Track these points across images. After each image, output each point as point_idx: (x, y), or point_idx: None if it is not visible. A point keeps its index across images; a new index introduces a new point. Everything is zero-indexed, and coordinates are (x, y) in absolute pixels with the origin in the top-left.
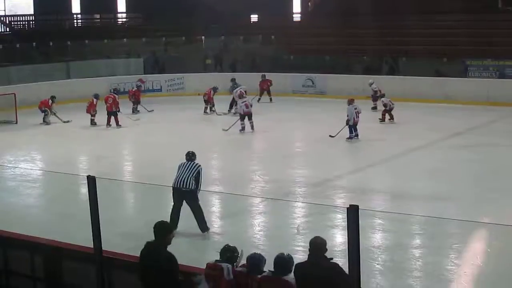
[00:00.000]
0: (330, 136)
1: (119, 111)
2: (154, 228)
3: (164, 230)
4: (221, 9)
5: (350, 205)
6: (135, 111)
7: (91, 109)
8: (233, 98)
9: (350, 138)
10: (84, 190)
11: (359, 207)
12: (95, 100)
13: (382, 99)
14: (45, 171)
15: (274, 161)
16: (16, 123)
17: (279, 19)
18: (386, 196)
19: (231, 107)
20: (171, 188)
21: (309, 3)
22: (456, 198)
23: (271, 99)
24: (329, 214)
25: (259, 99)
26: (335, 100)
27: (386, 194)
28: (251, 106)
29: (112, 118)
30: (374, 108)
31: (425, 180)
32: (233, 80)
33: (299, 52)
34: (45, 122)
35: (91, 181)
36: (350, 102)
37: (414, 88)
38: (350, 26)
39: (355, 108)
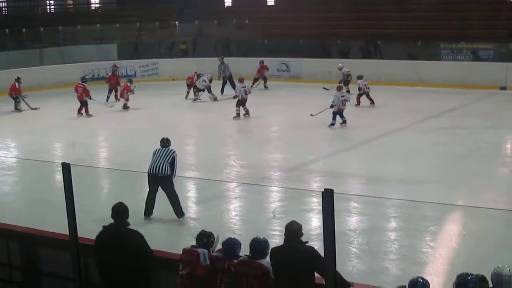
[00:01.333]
0: (310, 115)
1: (90, 98)
2: (112, 209)
3: (125, 212)
4: None
5: (325, 189)
6: (115, 99)
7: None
8: (224, 80)
9: (332, 124)
10: (59, 177)
11: (334, 191)
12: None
13: (358, 81)
14: (20, 159)
15: (250, 146)
16: None
17: (253, 3)
18: (361, 180)
19: (223, 89)
20: (146, 174)
21: None
22: (431, 180)
23: (266, 87)
24: (305, 198)
25: (253, 85)
26: (310, 84)
27: (362, 177)
28: (249, 92)
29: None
30: (347, 91)
31: (400, 163)
32: (221, 59)
33: (273, 36)
34: (17, 109)
35: (66, 168)
36: (338, 88)
37: (388, 71)
38: (324, 9)
39: (342, 96)
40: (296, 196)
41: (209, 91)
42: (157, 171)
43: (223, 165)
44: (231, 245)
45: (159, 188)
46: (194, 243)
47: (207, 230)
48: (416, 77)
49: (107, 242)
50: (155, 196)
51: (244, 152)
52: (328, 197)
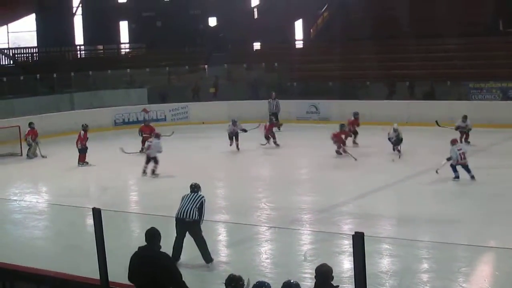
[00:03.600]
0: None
1: (84, 147)
2: (146, 234)
3: (156, 235)
4: (223, 38)
5: (355, 232)
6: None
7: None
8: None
9: (456, 177)
10: (90, 221)
11: (365, 234)
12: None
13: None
14: (51, 204)
15: (280, 188)
16: (21, 155)
17: (281, 46)
18: (392, 221)
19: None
20: (174, 219)
21: (311, 30)
22: (462, 221)
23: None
24: (336, 240)
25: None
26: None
27: (393, 218)
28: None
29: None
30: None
31: (431, 203)
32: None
33: (302, 78)
34: (28, 156)
35: (97, 214)
36: (453, 142)
37: (418, 111)
38: (352, 51)
39: (459, 149)
40: (327, 238)
41: (236, 138)
42: (184, 216)
43: (253, 208)
44: None
45: (187, 233)
46: (223, 287)
47: (237, 274)
48: (447, 117)
49: (139, 261)
50: (183, 241)
51: (274, 194)
52: (358, 240)
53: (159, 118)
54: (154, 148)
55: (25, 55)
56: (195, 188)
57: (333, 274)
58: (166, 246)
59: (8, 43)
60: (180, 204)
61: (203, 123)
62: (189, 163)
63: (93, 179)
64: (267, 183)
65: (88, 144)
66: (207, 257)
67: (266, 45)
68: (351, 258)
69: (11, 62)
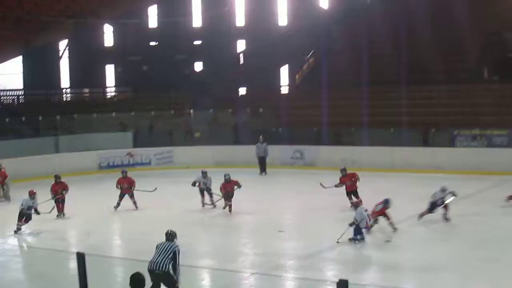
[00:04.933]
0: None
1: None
2: (131, 278)
3: (141, 280)
4: (209, 82)
5: (339, 280)
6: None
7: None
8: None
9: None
10: (74, 265)
11: (349, 281)
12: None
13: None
14: (33, 247)
15: (264, 234)
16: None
17: (266, 91)
18: (376, 267)
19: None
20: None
21: (297, 76)
22: (447, 269)
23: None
24: (320, 287)
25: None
26: (325, 172)
27: (377, 265)
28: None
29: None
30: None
31: (417, 250)
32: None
33: (287, 124)
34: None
35: (81, 258)
36: (358, 204)
37: (403, 158)
38: (337, 98)
39: (366, 210)
40: (311, 285)
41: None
42: (155, 268)
43: (237, 254)
44: None
45: (161, 285)
46: None
47: None
48: (432, 164)
49: None
50: None
51: (258, 240)
52: (343, 287)
53: (144, 162)
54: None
55: (10, 97)
56: (169, 236)
57: None
58: None
59: None
60: (154, 254)
61: (188, 167)
62: (174, 207)
63: (77, 223)
64: (251, 228)
65: (72, 187)
66: None
67: (252, 90)
68: None
69: None
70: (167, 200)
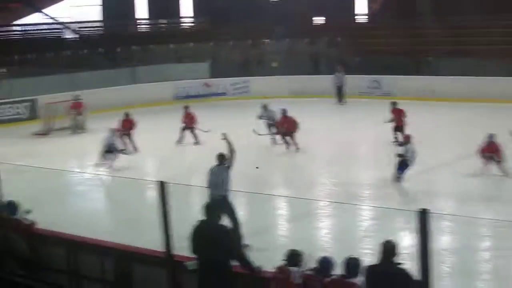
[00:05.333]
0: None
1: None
2: (205, 207)
3: (216, 208)
4: (286, 12)
5: (420, 209)
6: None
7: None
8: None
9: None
10: (151, 194)
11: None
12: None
13: None
14: (113, 176)
15: (341, 163)
16: (84, 128)
17: (344, 21)
18: (453, 198)
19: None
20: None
21: (374, 5)
22: None
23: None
24: (397, 217)
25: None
26: (402, 101)
27: (453, 195)
28: None
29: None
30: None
31: (493, 181)
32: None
33: (364, 53)
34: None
35: (161, 187)
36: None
37: (481, 88)
38: (416, 26)
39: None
40: (388, 214)
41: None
42: (214, 193)
43: (314, 183)
44: (326, 263)
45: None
46: (284, 262)
47: (297, 249)
48: None
49: (199, 234)
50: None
51: (335, 170)
52: (423, 217)
53: (220, 92)
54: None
55: (88, 29)
56: (221, 158)
57: (397, 251)
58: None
59: (71, 17)
60: (209, 179)
61: (264, 97)
62: (249, 138)
63: (153, 154)
64: (328, 158)
65: (148, 118)
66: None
67: (329, 20)
68: (411, 235)
69: (75, 36)
70: (243, 131)
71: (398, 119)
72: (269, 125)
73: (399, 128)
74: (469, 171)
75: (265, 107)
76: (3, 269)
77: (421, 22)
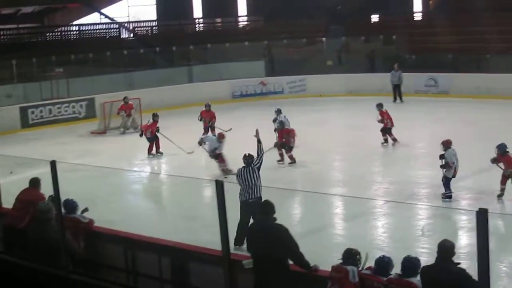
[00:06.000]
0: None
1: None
2: (261, 206)
3: (271, 207)
4: (341, 10)
5: (479, 209)
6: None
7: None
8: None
9: (447, 197)
10: (207, 193)
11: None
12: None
13: None
14: (169, 175)
15: (397, 162)
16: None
17: (400, 18)
18: (510, 197)
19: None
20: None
21: (430, 1)
22: None
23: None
24: (454, 216)
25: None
26: (459, 100)
27: (506, 195)
28: None
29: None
30: None
31: None
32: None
33: (420, 51)
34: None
35: (219, 186)
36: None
37: None
38: (473, 23)
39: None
40: (445, 213)
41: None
42: (248, 198)
43: (371, 182)
44: (385, 263)
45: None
46: (340, 260)
47: (354, 248)
48: None
49: (255, 232)
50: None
51: (391, 169)
52: (482, 217)
53: (277, 91)
54: (209, 145)
55: (144, 28)
56: (248, 159)
57: (454, 251)
58: (286, 217)
59: (128, 16)
60: (241, 184)
61: (320, 95)
62: (305, 135)
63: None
64: (384, 157)
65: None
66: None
67: (384, 17)
68: (469, 234)
69: (131, 36)
70: (298, 128)
71: (386, 121)
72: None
73: (387, 130)
74: None
75: (278, 111)
76: (60, 266)
77: (477, 19)
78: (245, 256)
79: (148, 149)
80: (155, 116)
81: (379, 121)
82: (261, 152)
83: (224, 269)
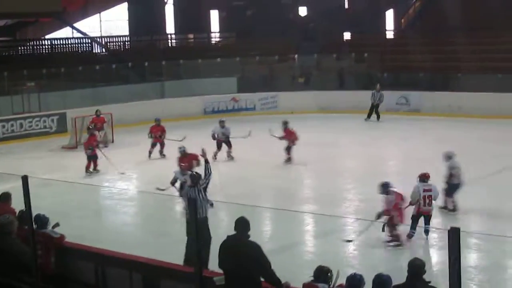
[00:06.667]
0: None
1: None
2: (236, 222)
3: (246, 224)
4: (313, 27)
5: (451, 227)
6: None
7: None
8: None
9: (410, 235)
10: (178, 208)
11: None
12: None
13: None
14: (140, 191)
15: (368, 180)
16: (113, 142)
17: (372, 36)
18: (480, 216)
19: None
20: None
21: (402, 20)
22: None
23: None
24: (424, 234)
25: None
26: (431, 118)
27: (482, 213)
28: None
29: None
30: None
31: None
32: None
33: (392, 69)
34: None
35: (192, 202)
36: (423, 177)
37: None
38: (444, 42)
39: (427, 190)
40: (418, 232)
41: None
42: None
43: (341, 199)
44: (356, 281)
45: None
46: (311, 278)
47: (325, 265)
48: None
49: (227, 249)
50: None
51: (362, 186)
52: (454, 235)
53: (248, 107)
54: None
55: (117, 43)
56: (194, 178)
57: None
58: (258, 234)
59: (101, 31)
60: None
61: (292, 112)
62: (275, 152)
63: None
64: (356, 174)
65: (176, 132)
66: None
67: (357, 35)
68: (439, 252)
69: (104, 50)
70: (268, 145)
71: (290, 140)
72: (224, 143)
73: (289, 148)
74: (499, 188)
75: (222, 123)
76: (28, 282)
77: (449, 38)
78: (216, 272)
79: (86, 167)
80: (89, 129)
81: (280, 139)
82: (208, 172)
83: (195, 286)
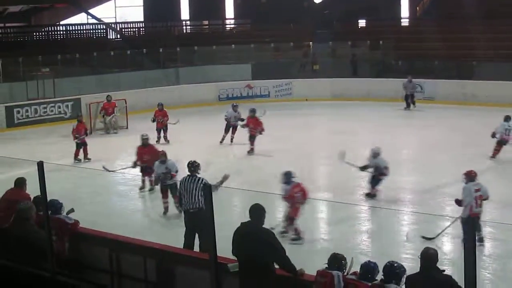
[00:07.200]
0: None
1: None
2: (250, 209)
3: (261, 211)
4: (328, 15)
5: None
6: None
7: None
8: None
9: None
10: None
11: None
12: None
13: None
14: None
15: None
16: (127, 128)
17: (387, 24)
18: (495, 204)
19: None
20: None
21: (417, 8)
22: None
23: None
24: (438, 222)
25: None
26: (444, 106)
27: (496, 202)
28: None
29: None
30: None
31: None
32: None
33: (407, 57)
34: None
35: (207, 189)
36: (469, 176)
37: None
38: (460, 30)
39: (477, 190)
40: (429, 219)
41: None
42: (189, 207)
43: (355, 187)
44: (370, 268)
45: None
46: (325, 265)
47: (339, 252)
48: None
49: (241, 236)
50: (194, 234)
51: None
52: (469, 223)
53: (263, 94)
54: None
55: (132, 29)
56: (192, 167)
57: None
58: (271, 220)
59: (115, 17)
60: (182, 192)
61: (306, 99)
62: (290, 139)
63: (194, 153)
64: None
65: (190, 118)
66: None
67: (372, 22)
68: (453, 241)
69: (118, 37)
70: (283, 132)
71: (253, 128)
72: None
73: (252, 137)
74: None
75: (235, 107)
76: (44, 267)
77: (465, 26)
78: (230, 259)
79: (75, 154)
80: (78, 117)
81: (242, 127)
82: (219, 184)
83: (211, 272)
